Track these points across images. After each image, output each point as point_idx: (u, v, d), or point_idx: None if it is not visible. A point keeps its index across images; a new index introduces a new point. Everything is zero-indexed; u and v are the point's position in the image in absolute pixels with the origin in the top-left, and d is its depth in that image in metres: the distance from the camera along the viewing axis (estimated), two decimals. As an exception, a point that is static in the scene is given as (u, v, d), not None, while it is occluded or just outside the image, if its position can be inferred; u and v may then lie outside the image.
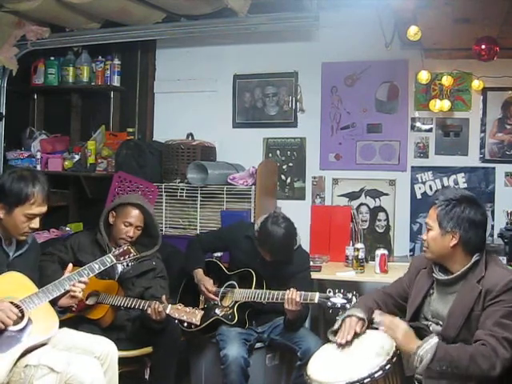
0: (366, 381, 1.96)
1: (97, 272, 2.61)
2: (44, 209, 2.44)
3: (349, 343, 2.22)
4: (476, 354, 1.98)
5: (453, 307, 2.15)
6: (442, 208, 2.19)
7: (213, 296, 3.18)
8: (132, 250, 2.80)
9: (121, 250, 2.77)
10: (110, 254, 2.71)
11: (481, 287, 2.10)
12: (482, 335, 2.02)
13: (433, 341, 2.02)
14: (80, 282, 2.48)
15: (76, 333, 2.60)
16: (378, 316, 2.21)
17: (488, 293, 2.07)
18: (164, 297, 2.89)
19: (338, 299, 2.64)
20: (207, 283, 3.20)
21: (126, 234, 3.09)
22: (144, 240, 3.20)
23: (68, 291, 2.46)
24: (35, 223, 2.42)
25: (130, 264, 2.90)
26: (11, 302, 2.27)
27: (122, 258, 2.75)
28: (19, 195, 2.36)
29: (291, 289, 2.89)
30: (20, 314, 2.25)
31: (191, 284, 3.30)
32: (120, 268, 3.11)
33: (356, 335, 2.25)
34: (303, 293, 2.85)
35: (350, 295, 2.63)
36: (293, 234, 3.15)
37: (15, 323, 2.23)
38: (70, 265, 2.61)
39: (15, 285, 2.36)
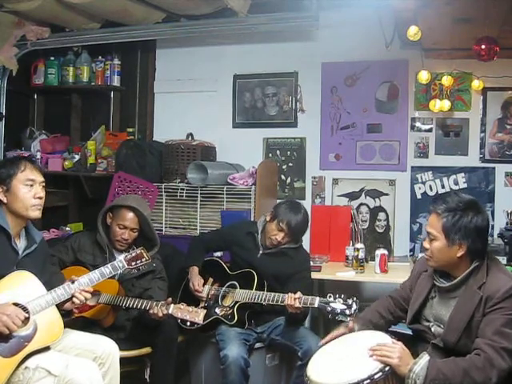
0: (365, 382, 1.95)
1: (107, 277, 2.59)
2: (40, 177, 2.48)
3: (349, 344, 2.23)
4: (470, 368, 1.96)
5: (453, 313, 2.13)
6: (448, 219, 2.12)
7: (199, 294, 3.20)
8: (145, 255, 2.72)
9: (133, 254, 2.71)
10: (121, 259, 2.67)
11: (481, 293, 2.07)
12: (481, 344, 2.00)
13: (423, 361, 1.99)
14: (85, 291, 2.46)
15: (77, 333, 2.60)
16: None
17: (489, 299, 2.05)
18: (170, 299, 2.87)
19: (337, 305, 2.61)
20: (196, 281, 3.22)
21: (121, 237, 3.08)
22: (143, 242, 3.20)
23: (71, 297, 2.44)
24: (37, 191, 2.44)
25: (141, 268, 2.83)
26: (18, 304, 2.26)
27: (133, 263, 2.69)
28: (9, 169, 2.42)
29: (289, 294, 2.87)
30: (26, 316, 2.24)
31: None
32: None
33: (355, 336, 2.25)
34: (303, 297, 2.84)
35: (350, 301, 2.60)
36: (307, 211, 3.27)
37: (21, 326, 2.22)
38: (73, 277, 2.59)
39: (24, 284, 2.35)
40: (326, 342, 2.32)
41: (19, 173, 2.42)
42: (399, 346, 2.05)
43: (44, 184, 2.50)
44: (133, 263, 2.69)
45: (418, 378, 1.96)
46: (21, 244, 2.49)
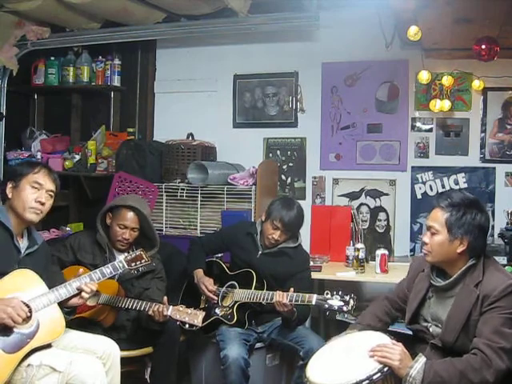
0: (364, 383, 1.96)
1: (108, 276, 2.60)
2: (50, 184, 2.49)
3: (348, 345, 2.22)
4: (466, 370, 1.95)
5: (451, 312, 2.13)
6: (453, 214, 2.13)
7: (212, 295, 3.18)
8: (144, 256, 2.73)
9: (133, 255, 2.71)
10: (122, 259, 2.68)
11: (478, 292, 2.07)
12: (479, 344, 1.99)
13: (418, 365, 1.99)
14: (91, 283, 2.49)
15: (77, 333, 2.61)
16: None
17: (486, 298, 2.04)
18: (166, 298, 2.87)
19: (335, 301, 2.62)
20: (207, 282, 3.21)
21: (121, 237, 3.08)
22: (143, 241, 3.20)
23: (78, 293, 2.45)
24: (40, 196, 2.45)
25: (141, 269, 2.82)
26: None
27: (133, 264, 2.70)
28: (24, 167, 2.51)
29: (278, 292, 2.89)
30: (29, 314, 2.25)
31: (193, 285, 3.29)
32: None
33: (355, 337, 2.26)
34: (295, 294, 2.84)
35: (347, 297, 2.60)
36: (301, 206, 3.26)
37: (23, 323, 2.23)
38: (81, 269, 2.64)
39: (26, 282, 2.36)
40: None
41: (31, 174, 2.47)
42: (400, 349, 2.04)
43: (52, 193, 2.51)
44: (133, 264, 2.70)
45: (414, 382, 1.96)
46: (23, 243, 2.51)
